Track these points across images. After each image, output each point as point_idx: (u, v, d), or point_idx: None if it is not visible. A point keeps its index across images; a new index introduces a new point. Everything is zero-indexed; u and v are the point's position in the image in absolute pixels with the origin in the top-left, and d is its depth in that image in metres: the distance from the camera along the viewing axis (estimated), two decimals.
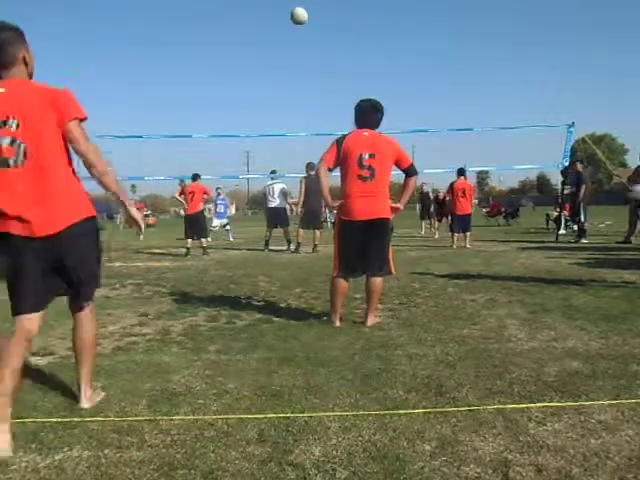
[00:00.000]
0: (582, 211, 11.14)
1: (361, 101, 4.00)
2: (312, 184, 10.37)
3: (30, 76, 2.31)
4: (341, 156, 3.87)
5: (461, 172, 10.96)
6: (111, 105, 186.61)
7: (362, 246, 3.89)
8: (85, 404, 2.49)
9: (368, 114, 3.97)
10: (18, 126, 2.14)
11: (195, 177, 10.84)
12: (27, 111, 2.15)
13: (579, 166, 11.46)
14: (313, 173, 10.52)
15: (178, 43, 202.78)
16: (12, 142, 2.13)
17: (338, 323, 4.05)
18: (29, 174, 2.15)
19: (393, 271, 4.04)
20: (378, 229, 3.87)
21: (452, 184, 11.00)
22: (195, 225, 10.69)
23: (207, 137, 15.11)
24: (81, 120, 2.25)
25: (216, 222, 15.58)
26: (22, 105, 2.16)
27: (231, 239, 15.16)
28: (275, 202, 11.22)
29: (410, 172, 4.01)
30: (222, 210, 15.76)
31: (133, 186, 59.34)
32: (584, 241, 10.77)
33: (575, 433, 2.10)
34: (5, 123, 2.13)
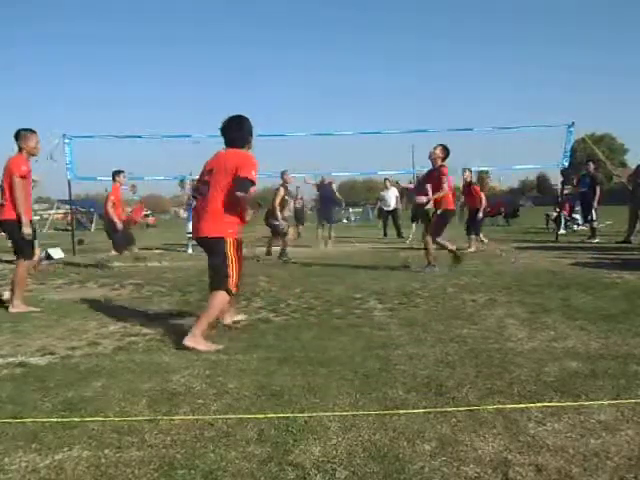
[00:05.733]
0: (594, 212, 11.12)
1: (224, 121, 3.77)
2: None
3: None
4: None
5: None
6: (111, 105, 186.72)
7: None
8: (11, 309, 4.86)
9: (227, 133, 3.76)
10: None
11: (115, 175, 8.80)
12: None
13: (591, 166, 11.43)
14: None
15: (178, 43, 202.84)
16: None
17: (185, 340, 3.51)
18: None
19: (230, 286, 3.63)
20: (207, 247, 3.72)
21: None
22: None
23: (206, 137, 14.99)
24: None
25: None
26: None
27: (190, 251, 10.90)
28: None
29: (234, 183, 3.50)
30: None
31: (133, 186, 59.27)
32: (595, 241, 10.77)
33: (575, 433, 2.10)
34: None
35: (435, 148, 6.90)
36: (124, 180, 9.04)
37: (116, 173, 8.75)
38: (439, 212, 6.91)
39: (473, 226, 10.10)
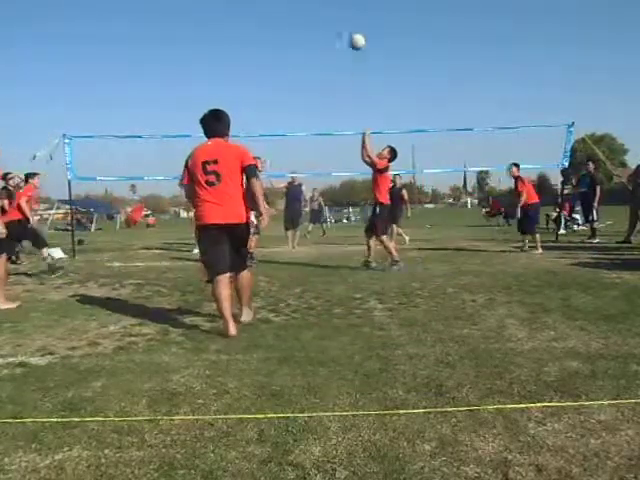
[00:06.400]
0: (595, 212, 11.09)
1: (204, 113, 4.00)
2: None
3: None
4: (190, 170, 3.92)
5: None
6: (111, 105, 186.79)
7: (222, 248, 3.87)
8: (1, 306, 4.95)
9: (210, 124, 3.98)
10: None
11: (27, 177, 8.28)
12: None
13: (591, 166, 11.43)
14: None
15: (178, 43, 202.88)
16: None
17: (233, 331, 3.75)
18: None
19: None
20: (237, 232, 3.87)
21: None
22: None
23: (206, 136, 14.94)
24: None
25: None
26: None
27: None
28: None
29: (247, 174, 3.87)
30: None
31: (133, 186, 59.25)
32: (595, 241, 10.77)
33: (575, 433, 2.09)
34: None
35: (384, 149, 7.31)
36: (37, 182, 8.58)
37: (30, 175, 8.33)
38: (376, 209, 7.23)
39: (525, 225, 9.44)
